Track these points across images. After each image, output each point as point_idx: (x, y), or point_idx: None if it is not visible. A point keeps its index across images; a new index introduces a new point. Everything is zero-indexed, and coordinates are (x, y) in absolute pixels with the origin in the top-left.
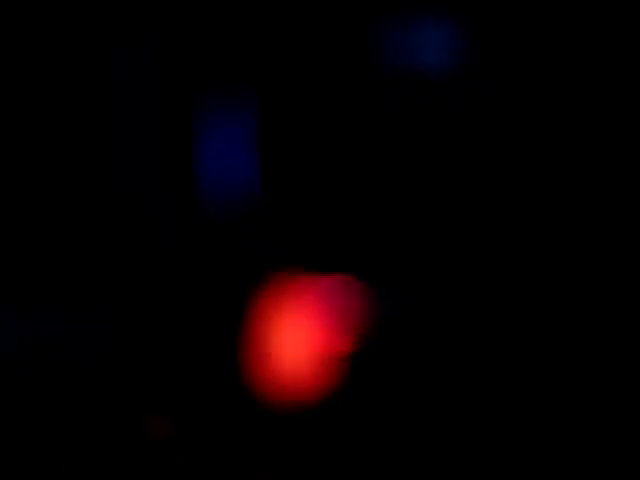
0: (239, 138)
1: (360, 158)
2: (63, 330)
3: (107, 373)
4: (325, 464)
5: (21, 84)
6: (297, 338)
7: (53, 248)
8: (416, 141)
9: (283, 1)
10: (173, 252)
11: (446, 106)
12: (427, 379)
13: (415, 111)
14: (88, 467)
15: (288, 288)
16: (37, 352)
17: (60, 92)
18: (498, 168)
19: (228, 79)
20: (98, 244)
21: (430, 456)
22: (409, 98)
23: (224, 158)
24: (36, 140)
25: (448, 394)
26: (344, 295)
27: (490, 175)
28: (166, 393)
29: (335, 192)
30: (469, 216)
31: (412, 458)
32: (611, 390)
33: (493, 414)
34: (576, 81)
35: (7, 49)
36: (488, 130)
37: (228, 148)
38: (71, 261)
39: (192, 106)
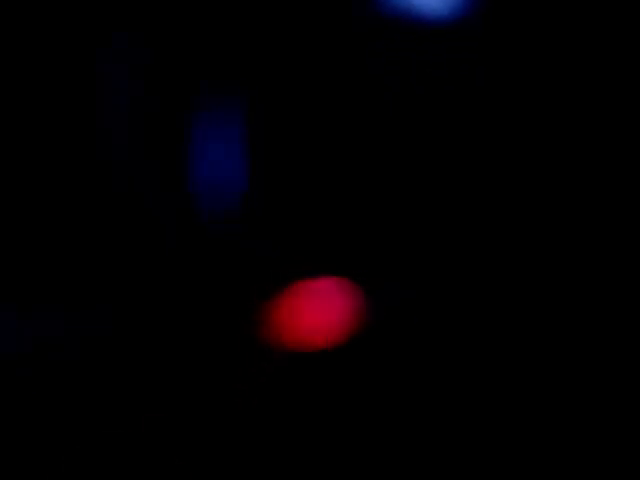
0: (231, 138)
1: (356, 151)
2: (63, 330)
3: (107, 373)
4: (324, 460)
5: (17, 85)
6: (289, 334)
7: (53, 248)
8: (413, 135)
9: (274, 2)
10: (173, 252)
11: (442, 106)
12: (426, 374)
13: (411, 112)
14: (88, 467)
15: (285, 288)
16: (37, 352)
17: (59, 93)
18: (498, 159)
19: (220, 80)
20: (98, 244)
21: (427, 451)
22: (405, 99)
23: (217, 158)
24: (34, 140)
25: (447, 388)
26: (337, 295)
27: (490, 167)
28: (166, 392)
29: (331, 186)
30: (470, 209)
31: (409, 453)
32: (611, 390)
33: (492, 408)
34: (577, 68)
35: None
36: (487, 121)
37: (220, 148)
38: (71, 261)
39: (185, 106)
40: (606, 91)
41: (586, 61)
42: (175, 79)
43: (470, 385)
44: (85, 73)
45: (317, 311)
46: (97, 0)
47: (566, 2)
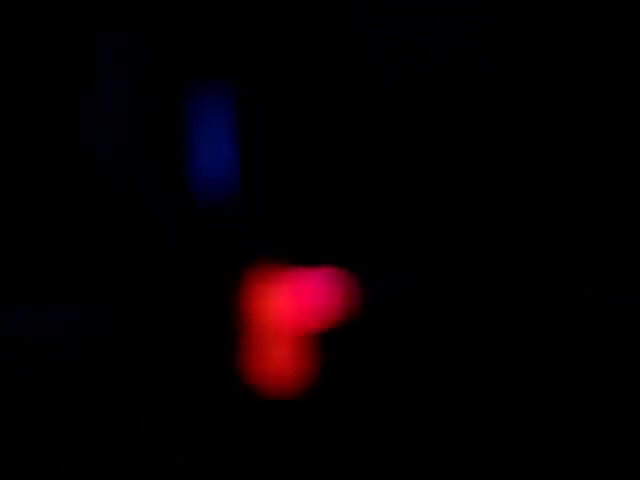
0: (226, 133)
1: (351, 144)
2: (63, 330)
3: (107, 372)
4: (319, 453)
5: (17, 85)
6: (280, 322)
7: (53, 248)
8: (412, 124)
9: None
10: (173, 252)
11: (445, 92)
12: (427, 360)
13: (410, 100)
14: (88, 467)
15: (276, 278)
16: (37, 352)
17: (59, 93)
18: (499, 146)
19: (216, 76)
20: (98, 244)
21: (428, 436)
22: (404, 87)
23: (212, 154)
24: (34, 139)
25: (448, 375)
26: (329, 285)
27: (490, 155)
28: (166, 392)
29: (331, 174)
30: (471, 198)
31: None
32: (609, 380)
33: (491, 392)
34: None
35: None
36: (490, 106)
37: (215, 144)
38: (71, 261)
39: (182, 104)
40: (608, 83)
41: (589, 48)
42: (174, 78)
43: (467, 383)
44: (85, 72)
45: (313, 298)
46: (98, 0)
47: None
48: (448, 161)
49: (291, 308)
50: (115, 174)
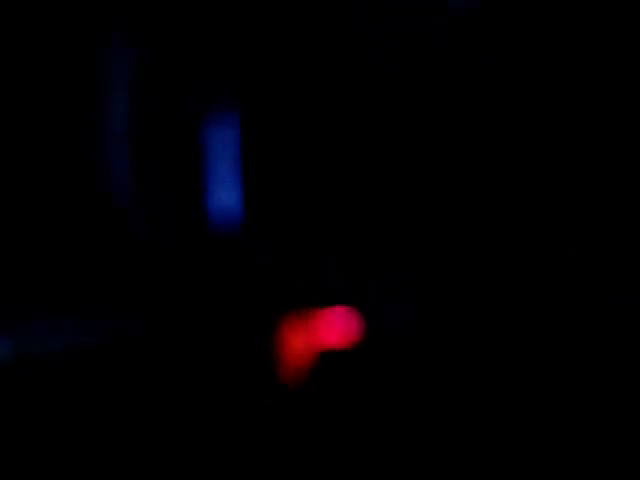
0: (237, 153)
1: (351, 143)
2: (64, 330)
3: (107, 373)
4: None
5: (17, 86)
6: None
7: (53, 250)
8: (409, 125)
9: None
10: (173, 253)
11: (444, 92)
12: (429, 360)
13: (411, 102)
14: (88, 467)
15: (294, 316)
16: (37, 352)
17: (59, 93)
18: (497, 149)
19: (215, 75)
20: (98, 245)
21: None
22: (402, 99)
23: (216, 153)
24: (35, 140)
25: (449, 376)
26: (339, 320)
27: (489, 156)
28: (167, 392)
29: (332, 173)
30: (470, 199)
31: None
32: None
33: (491, 393)
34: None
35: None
36: (489, 106)
37: (218, 144)
38: (72, 262)
39: (183, 104)
40: (608, 83)
41: (589, 48)
42: (175, 79)
43: (468, 382)
44: (85, 73)
45: (326, 331)
46: (97, 0)
47: None
48: (448, 161)
49: (307, 339)
50: (115, 175)
